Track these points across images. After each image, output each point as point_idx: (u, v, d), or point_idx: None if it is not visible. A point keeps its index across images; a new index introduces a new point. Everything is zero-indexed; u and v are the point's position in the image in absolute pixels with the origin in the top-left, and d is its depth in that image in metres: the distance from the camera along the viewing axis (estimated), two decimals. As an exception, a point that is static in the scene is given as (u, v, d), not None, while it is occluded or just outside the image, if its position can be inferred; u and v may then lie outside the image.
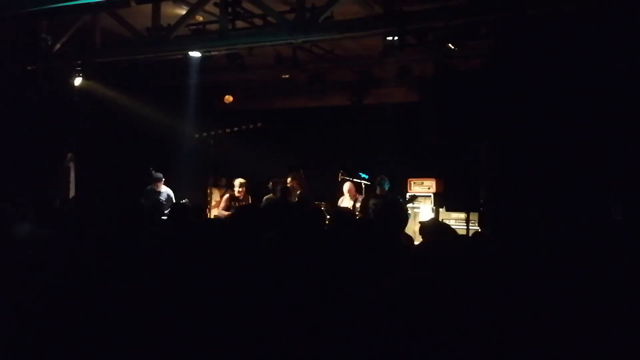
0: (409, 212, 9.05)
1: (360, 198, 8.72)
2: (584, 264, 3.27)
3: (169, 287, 2.70)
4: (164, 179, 9.24)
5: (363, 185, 9.39)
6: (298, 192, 8.87)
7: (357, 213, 8.02)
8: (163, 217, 7.16)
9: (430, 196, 9.68)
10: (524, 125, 5.91)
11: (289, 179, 9.00)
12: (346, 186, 9.10)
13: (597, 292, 2.59)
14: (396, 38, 6.93)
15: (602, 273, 3.02)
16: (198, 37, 8.16)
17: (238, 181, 8.81)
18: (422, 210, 9.52)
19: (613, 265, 3.23)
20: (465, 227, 6.89)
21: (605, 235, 4.95)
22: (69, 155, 9.32)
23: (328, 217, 4.60)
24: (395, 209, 4.12)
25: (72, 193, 9.20)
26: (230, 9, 7.40)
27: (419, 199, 9.69)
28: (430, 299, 1.80)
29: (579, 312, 2.39)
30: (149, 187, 9.07)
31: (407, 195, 9.67)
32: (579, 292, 2.57)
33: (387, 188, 8.79)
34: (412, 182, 10.08)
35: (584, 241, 4.62)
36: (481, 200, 6.74)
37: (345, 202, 9.00)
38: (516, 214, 5.92)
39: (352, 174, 9.46)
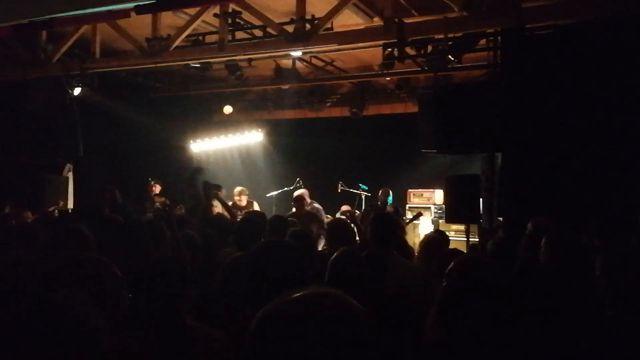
0: (409, 224, 9.03)
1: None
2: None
3: None
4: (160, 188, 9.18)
5: (363, 197, 9.36)
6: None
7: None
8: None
9: (430, 208, 9.62)
10: (526, 136, 5.87)
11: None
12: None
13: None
14: (396, 49, 6.92)
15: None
16: (197, 47, 8.15)
17: (237, 189, 8.86)
18: (423, 223, 9.44)
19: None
20: (465, 239, 6.83)
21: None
22: (68, 165, 9.26)
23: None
24: (385, 222, 4.06)
25: (70, 204, 9.13)
26: (229, 20, 7.40)
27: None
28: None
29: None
30: (157, 204, 8.68)
31: (410, 211, 9.51)
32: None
33: (390, 202, 8.83)
34: (411, 194, 10.03)
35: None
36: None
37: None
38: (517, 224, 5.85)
39: (352, 185, 9.42)
